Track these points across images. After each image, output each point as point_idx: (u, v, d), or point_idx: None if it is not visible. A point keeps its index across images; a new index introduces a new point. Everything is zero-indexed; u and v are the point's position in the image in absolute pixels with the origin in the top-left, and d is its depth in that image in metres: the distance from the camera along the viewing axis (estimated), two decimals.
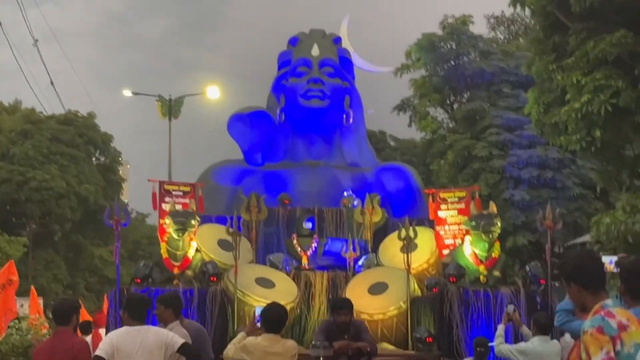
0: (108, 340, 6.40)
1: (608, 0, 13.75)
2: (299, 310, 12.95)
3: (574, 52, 14.34)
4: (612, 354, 3.84)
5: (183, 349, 6.47)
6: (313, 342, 8.47)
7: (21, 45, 34.61)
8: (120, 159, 41.46)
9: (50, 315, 10.99)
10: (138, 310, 6.60)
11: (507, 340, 10.08)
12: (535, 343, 8.97)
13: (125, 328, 6.57)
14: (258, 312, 7.40)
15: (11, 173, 34.60)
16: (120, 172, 41.59)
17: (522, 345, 9.34)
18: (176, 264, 12.29)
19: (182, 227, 12.21)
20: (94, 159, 39.27)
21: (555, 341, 9.22)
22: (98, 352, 6.28)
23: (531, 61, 15.83)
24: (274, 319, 7.14)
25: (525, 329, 9.82)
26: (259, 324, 7.33)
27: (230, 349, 7.23)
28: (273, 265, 13.70)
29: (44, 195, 34.50)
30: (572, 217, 19.81)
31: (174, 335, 6.58)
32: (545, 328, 9.07)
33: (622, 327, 3.93)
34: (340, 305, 9.12)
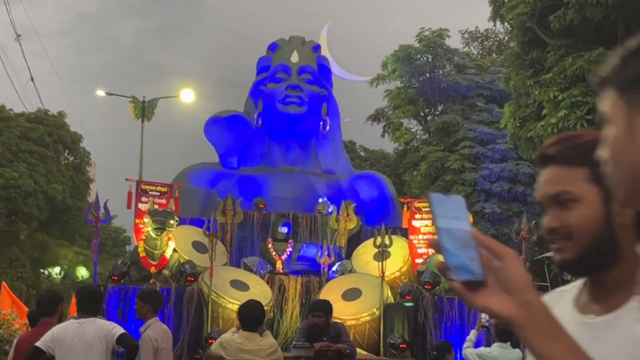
0: (50, 333, 6.41)
1: (586, 18, 13.95)
2: (272, 314, 12.98)
3: (551, 68, 14.53)
4: None
5: (122, 340, 6.42)
6: (294, 343, 8.54)
7: None
8: (88, 159, 41.10)
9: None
10: (86, 303, 6.60)
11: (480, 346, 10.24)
12: (493, 349, 9.11)
13: (70, 321, 6.61)
14: None
15: None
16: (89, 172, 41.23)
17: (481, 349, 9.50)
18: (153, 262, 12.29)
19: (161, 227, 12.21)
20: (62, 158, 38.94)
21: (515, 349, 9.32)
22: (38, 344, 6.31)
23: (508, 76, 16.00)
24: (248, 317, 7.10)
25: None
26: None
27: (214, 344, 7.27)
28: (247, 269, 13.74)
29: (11, 193, 34.11)
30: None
31: (115, 327, 6.54)
32: (504, 334, 9.17)
33: None
34: (314, 307, 9.26)
